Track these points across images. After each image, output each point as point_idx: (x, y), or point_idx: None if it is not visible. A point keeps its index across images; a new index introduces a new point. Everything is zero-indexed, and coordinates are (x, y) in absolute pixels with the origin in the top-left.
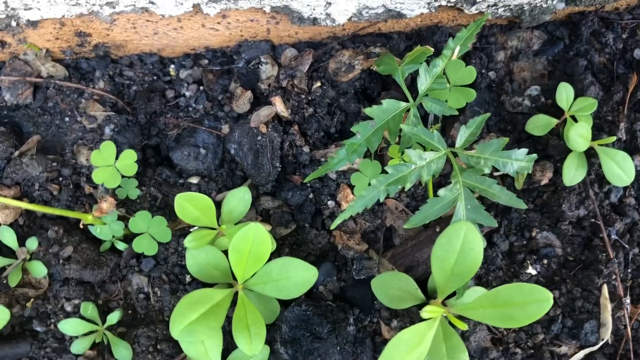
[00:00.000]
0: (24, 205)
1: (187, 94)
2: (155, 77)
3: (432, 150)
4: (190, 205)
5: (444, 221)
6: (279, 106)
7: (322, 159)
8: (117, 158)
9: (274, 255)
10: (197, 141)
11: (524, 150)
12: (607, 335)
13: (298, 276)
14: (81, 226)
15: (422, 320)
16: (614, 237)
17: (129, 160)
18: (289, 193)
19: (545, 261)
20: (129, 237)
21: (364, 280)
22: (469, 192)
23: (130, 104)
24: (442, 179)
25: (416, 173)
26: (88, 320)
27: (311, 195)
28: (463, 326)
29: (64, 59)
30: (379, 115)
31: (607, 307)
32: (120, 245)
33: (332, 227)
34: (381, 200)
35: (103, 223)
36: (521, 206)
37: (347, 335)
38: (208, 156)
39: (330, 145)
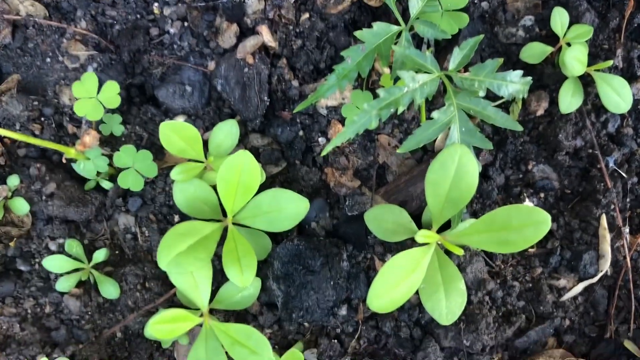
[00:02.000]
0: (4, 132)
1: (172, 31)
2: (138, 16)
3: (425, 72)
4: (176, 135)
5: None
6: (265, 35)
7: (312, 94)
8: (99, 91)
9: None
10: (183, 78)
11: (519, 72)
12: (606, 266)
13: (289, 208)
14: (64, 160)
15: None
16: (612, 166)
17: (112, 92)
18: (278, 129)
19: (542, 194)
20: (114, 178)
21: (356, 217)
22: (464, 114)
23: (114, 43)
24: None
25: (409, 96)
26: (74, 258)
27: (301, 132)
28: (459, 252)
29: None
30: (369, 39)
31: (605, 237)
32: (106, 184)
33: (324, 153)
34: (373, 126)
35: (87, 158)
36: (517, 128)
37: (340, 270)
38: (194, 94)
39: (320, 79)
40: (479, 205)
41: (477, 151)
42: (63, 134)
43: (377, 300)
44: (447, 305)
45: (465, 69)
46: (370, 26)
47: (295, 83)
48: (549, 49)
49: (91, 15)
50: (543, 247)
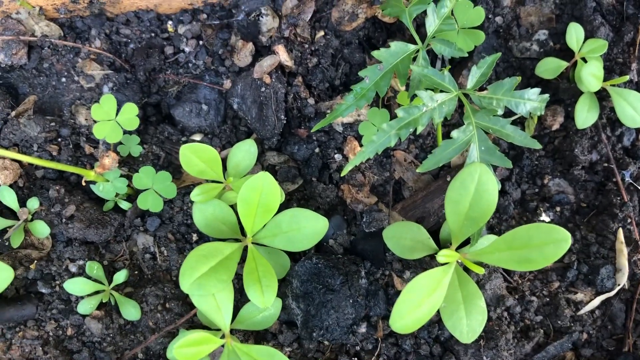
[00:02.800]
0: (25, 158)
1: (187, 49)
2: (152, 34)
3: (443, 91)
4: (196, 156)
5: (455, 170)
6: (282, 55)
7: (328, 111)
8: (117, 113)
9: (282, 209)
10: (199, 97)
11: (537, 90)
12: (623, 280)
13: (308, 227)
14: (83, 183)
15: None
16: (628, 180)
17: (130, 114)
18: (294, 147)
19: (558, 208)
20: (132, 197)
21: (374, 233)
22: (483, 133)
23: (129, 62)
24: (451, 128)
25: (428, 115)
26: (94, 280)
27: (317, 149)
28: (480, 270)
29: (58, 18)
30: (387, 59)
31: (622, 251)
32: (124, 205)
33: (343, 173)
34: (392, 144)
35: (105, 180)
36: (536, 146)
37: (359, 288)
38: (210, 112)
39: (335, 97)
40: (495, 220)
41: (494, 166)
42: (80, 155)
43: (401, 320)
44: (468, 324)
45: (482, 88)
46: (385, 43)
47: (311, 101)
48: (564, 64)
49: (105, 34)
50: (560, 262)
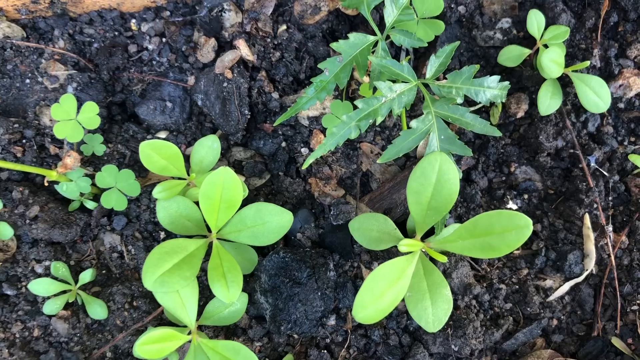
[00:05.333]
0: None
1: (150, 47)
2: (116, 33)
3: (402, 82)
4: (156, 153)
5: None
6: (243, 49)
7: (293, 105)
8: (78, 112)
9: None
10: (163, 94)
11: (496, 77)
12: (591, 265)
13: (273, 221)
14: (46, 183)
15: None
16: (593, 165)
17: (91, 112)
18: (260, 142)
19: (525, 196)
20: (98, 197)
21: (342, 226)
22: (442, 122)
23: (92, 62)
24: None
25: (387, 106)
26: (60, 280)
27: (284, 144)
28: (443, 259)
29: (20, 19)
30: (346, 50)
31: (590, 236)
32: (90, 204)
33: (304, 166)
34: (353, 137)
35: (69, 180)
36: (496, 133)
37: (327, 280)
38: (175, 109)
39: (300, 90)
40: (463, 210)
41: (459, 156)
42: (45, 155)
43: (363, 311)
44: (434, 313)
45: (444, 76)
46: (347, 36)
47: (275, 95)
48: (527, 52)
49: (69, 34)
50: (528, 249)
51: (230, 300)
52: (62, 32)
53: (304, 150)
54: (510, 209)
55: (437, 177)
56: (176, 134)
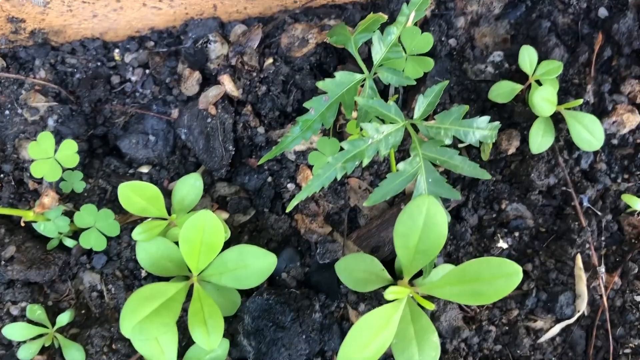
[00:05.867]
0: None
1: (133, 78)
2: (99, 63)
3: (390, 122)
4: (136, 195)
5: (409, 198)
6: (227, 85)
7: (279, 140)
8: (57, 150)
9: (234, 243)
10: (146, 128)
11: (486, 118)
12: (583, 306)
13: (256, 264)
14: (22, 224)
15: (389, 302)
16: (586, 204)
17: (69, 150)
18: (245, 177)
19: (516, 234)
20: (78, 233)
21: (328, 265)
22: (430, 165)
23: (74, 93)
24: (407, 155)
25: (374, 147)
26: (36, 324)
27: (269, 179)
28: (430, 306)
29: (0, 48)
30: (332, 89)
31: (581, 277)
32: (69, 242)
33: (289, 209)
34: (338, 178)
35: (47, 219)
36: (485, 177)
37: (312, 323)
38: (158, 143)
39: (287, 124)
40: (452, 247)
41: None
42: (24, 191)
43: None
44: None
45: (433, 114)
46: (336, 68)
47: (261, 130)
48: (518, 87)
49: (50, 64)
50: (519, 289)
51: (211, 347)
52: (43, 62)
53: (290, 186)
54: (501, 247)
55: (425, 221)
56: (159, 169)
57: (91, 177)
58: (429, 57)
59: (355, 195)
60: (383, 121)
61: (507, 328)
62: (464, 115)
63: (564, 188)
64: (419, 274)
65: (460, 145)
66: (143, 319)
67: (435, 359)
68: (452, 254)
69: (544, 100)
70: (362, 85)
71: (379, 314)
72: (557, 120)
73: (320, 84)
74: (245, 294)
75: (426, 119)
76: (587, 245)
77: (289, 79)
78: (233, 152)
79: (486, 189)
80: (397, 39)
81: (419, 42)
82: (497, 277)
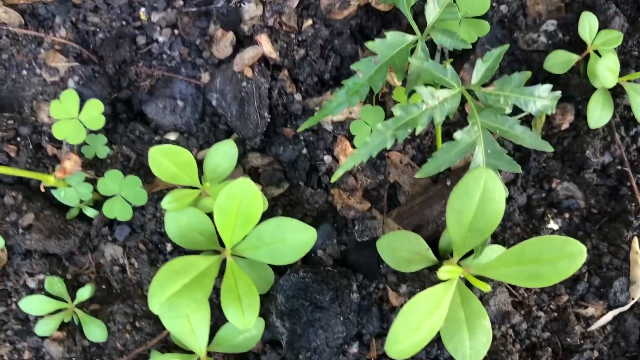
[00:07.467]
0: None
1: (161, 39)
2: (124, 22)
3: (445, 87)
4: (167, 160)
5: (455, 174)
6: (265, 46)
7: (317, 108)
8: (81, 110)
9: (266, 217)
10: (174, 92)
11: (548, 86)
12: (638, 293)
13: (294, 238)
14: (42, 189)
15: (433, 284)
16: None
17: (95, 111)
18: (280, 148)
19: (567, 215)
20: (99, 203)
21: (367, 243)
22: (489, 134)
23: (97, 53)
24: (451, 127)
25: (428, 114)
26: (55, 297)
27: (305, 150)
28: (486, 287)
29: (18, 4)
30: (382, 50)
31: (638, 262)
32: (90, 212)
33: (333, 179)
34: (388, 147)
35: (68, 185)
36: (548, 149)
37: (350, 304)
38: (187, 109)
39: (325, 92)
40: (499, 228)
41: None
42: (42, 156)
43: (397, 345)
44: (471, 346)
45: (488, 83)
46: (380, 34)
47: (297, 97)
48: (575, 57)
49: (71, 23)
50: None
51: (246, 327)
52: (64, 20)
53: (327, 158)
54: (551, 229)
55: (481, 196)
56: (187, 136)
57: (114, 143)
58: (484, 21)
59: (395, 171)
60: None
61: (556, 314)
62: (525, 82)
63: (619, 167)
64: (466, 256)
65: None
66: (173, 294)
67: (487, 344)
68: (498, 235)
69: (607, 69)
70: (413, 49)
71: (430, 294)
72: (614, 94)
73: (369, 45)
74: (278, 272)
75: (483, 86)
76: None
77: (327, 43)
78: (268, 120)
79: (537, 166)
80: None
81: (475, 3)
82: (559, 257)
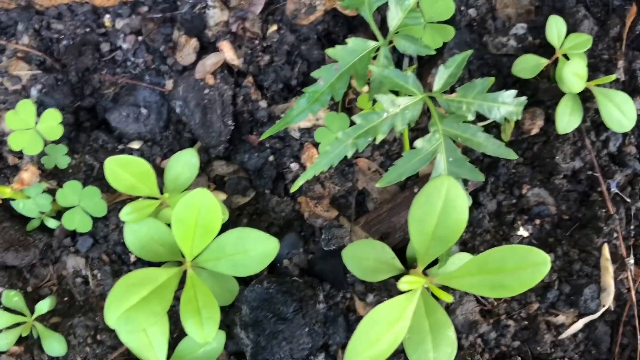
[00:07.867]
0: None
1: (125, 46)
2: (88, 29)
3: (406, 95)
4: (124, 170)
5: (423, 181)
6: (227, 52)
7: (282, 115)
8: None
9: (232, 226)
10: (138, 100)
11: (512, 92)
12: (608, 301)
13: (257, 249)
14: None
15: (400, 293)
16: (613, 190)
17: (52, 121)
18: (245, 155)
19: (537, 221)
20: (61, 214)
21: (334, 252)
22: (451, 142)
23: (60, 61)
24: (420, 133)
25: (388, 122)
26: (12, 311)
27: (271, 158)
28: (448, 298)
29: None
30: (344, 57)
31: (608, 269)
32: (51, 223)
33: (293, 189)
34: (349, 156)
35: (26, 197)
36: (511, 156)
37: (316, 314)
38: (151, 117)
39: (291, 99)
40: (468, 235)
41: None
42: (3, 166)
43: (356, 358)
44: (435, 357)
45: (452, 89)
46: (344, 41)
47: (263, 104)
48: (544, 62)
49: (34, 30)
50: (540, 281)
51: (206, 340)
52: (26, 27)
53: (294, 166)
54: (521, 235)
55: (444, 205)
56: (151, 145)
57: (77, 152)
58: (449, 26)
59: (363, 177)
60: (397, 94)
61: (526, 323)
62: (488, 88)
63: (590, 172)
64: (433, 263)
65: (479, 124)
66: (130, 307)
67: (451, 356)
68: (468, 242)
69: (574, 74)
70: (375, 56)
71: (391, 305)
72: (584, 98)
73: (330, 51)
74: (244, 282)
75: (445, 93)
76: (615, 235)
77: (294, 49)
78: (232, 128)
79: (506, 173)
80: (416, 4)
81: (439, 8)
82: (522, 267)
